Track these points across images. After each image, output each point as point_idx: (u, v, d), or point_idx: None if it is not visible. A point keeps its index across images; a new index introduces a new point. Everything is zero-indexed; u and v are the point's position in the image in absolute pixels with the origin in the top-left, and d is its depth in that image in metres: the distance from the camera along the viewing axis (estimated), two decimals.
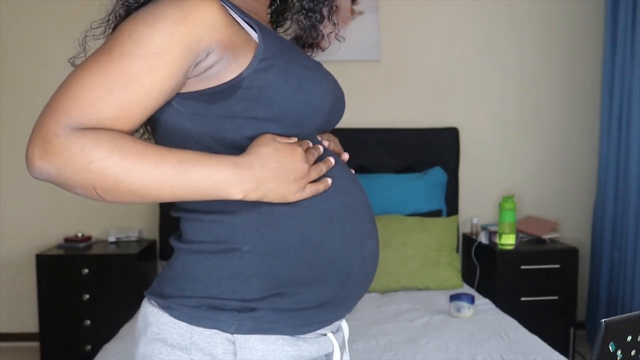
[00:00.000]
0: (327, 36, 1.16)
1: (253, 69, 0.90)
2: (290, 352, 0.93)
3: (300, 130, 0.95)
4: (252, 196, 0.88)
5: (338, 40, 1.18)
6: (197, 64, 0.88)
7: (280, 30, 1.19)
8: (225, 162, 0.86)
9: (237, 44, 0.90)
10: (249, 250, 0.91)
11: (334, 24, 1.15)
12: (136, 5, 0.92)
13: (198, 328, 0.91)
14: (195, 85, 0.90)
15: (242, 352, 0.90)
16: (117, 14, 0.95)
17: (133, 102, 0.83)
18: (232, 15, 0.92)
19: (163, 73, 0.84)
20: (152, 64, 0.83)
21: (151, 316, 0.94)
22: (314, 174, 0.93)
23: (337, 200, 0.96)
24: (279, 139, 0.90)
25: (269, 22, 1.19)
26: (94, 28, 0.97)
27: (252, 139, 0.91)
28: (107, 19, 0.97)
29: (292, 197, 0.90)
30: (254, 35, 0.93)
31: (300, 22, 1.09)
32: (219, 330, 0.90)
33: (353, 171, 1.06)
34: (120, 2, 0.94)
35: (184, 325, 0.91)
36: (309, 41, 1.13)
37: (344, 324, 1.08)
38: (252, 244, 0.91)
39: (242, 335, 0.91)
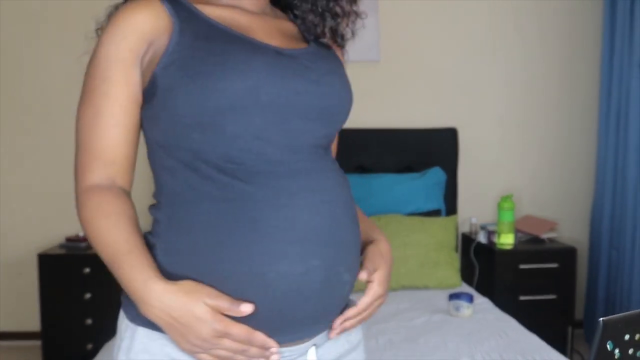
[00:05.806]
0: (351, 24, 1.13)
1: (163, 64, 0.88)
2: (171, 353, 0.90)
3: (224, 126, 0.88)
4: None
5: (362, 25, 1.15)
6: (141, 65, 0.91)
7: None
8: (141, 286, 0.88)
9: (164, 42, 0.90)
10: (160, 247, 0.93)
11: (356, 13, 1.12)
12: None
13: (122, 312, 0.98)
14: None
15: (128, 340, 0.94)
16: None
17: (110, 128, 0.91)
18: (167, 12, 0.91)
19: (115, 92, 0.90)
20: (105, 90, 0.90)
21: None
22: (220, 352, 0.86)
23: (256, 214, 0.88)
24: (210, 312, 0.84)
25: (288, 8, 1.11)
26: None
27: (176, 147, 0.91)
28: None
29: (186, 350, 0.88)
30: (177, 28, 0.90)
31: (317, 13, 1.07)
32: (125, 316, 0.96)
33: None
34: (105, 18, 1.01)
35: (121, 308, 0.99)
36: (337, 32, 1.10)
37: (311, 352, 0.99)
38: (163, 241, 0.94)
39: (134, 325, 0.94)
